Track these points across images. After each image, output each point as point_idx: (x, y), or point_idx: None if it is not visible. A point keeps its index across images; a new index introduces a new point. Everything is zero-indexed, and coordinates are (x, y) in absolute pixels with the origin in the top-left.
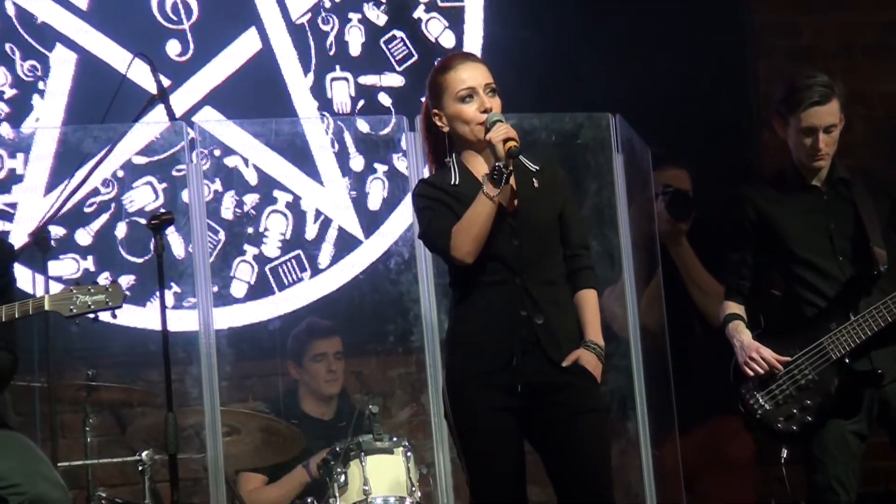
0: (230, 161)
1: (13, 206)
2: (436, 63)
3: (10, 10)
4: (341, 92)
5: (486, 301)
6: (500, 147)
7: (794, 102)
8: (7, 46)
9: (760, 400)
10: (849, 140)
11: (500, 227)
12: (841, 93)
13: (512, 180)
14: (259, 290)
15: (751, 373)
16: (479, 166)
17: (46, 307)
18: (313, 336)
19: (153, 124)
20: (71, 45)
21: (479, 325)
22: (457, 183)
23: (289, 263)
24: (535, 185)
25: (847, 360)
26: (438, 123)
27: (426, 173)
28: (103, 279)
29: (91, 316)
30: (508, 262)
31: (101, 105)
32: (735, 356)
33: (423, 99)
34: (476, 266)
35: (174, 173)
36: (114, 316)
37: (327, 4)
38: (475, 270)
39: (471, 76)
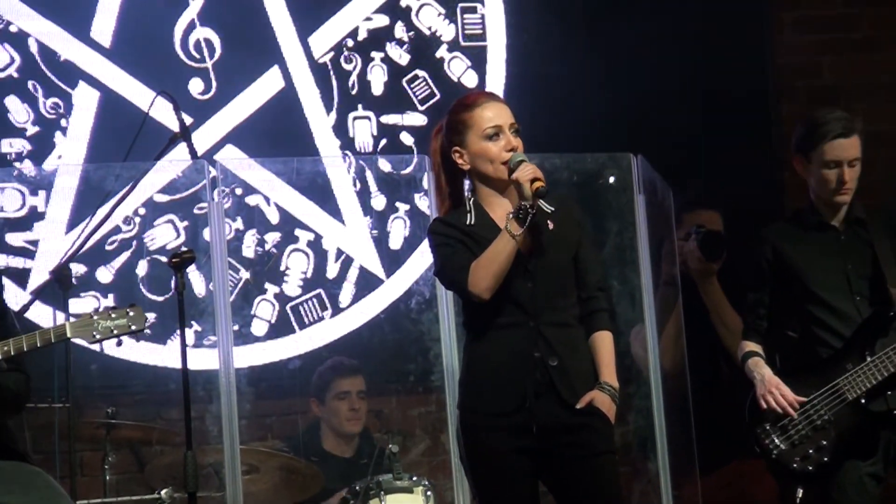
0: (252, 200)
1: (34, 243)
2: (455, 101)
3: (34, 48)
4: (363, 131)
5: (500, 342)
6: (527, 186)
7: (817, 136)
8: (30, 84)
9: (776, 440)
10: (869, 180)
11: (514, 269)
12: (861, 129)
13: (515, 223)
14: (280, 328)
15: (765, 406)
16: (497, 207)
17: (69, 334)
18: (337, 374)
19: (175, 162)
20: (94, 82)
21: (493, 367)
22: (472, 223)
23: (310, 302)
24: (550, 226)
25: (863, 401)
26: (459, 161)
27: (436, 211)
28: None
29: (114, 341)
30: (522, 304)
31: (124, 143)
32: (752, 393)
33: (437, 136)
34: (490, 307)
35: (196, 211)
36: (137, 340)
37: (350, 44)
38: (489, 311)
39: (497, 114)
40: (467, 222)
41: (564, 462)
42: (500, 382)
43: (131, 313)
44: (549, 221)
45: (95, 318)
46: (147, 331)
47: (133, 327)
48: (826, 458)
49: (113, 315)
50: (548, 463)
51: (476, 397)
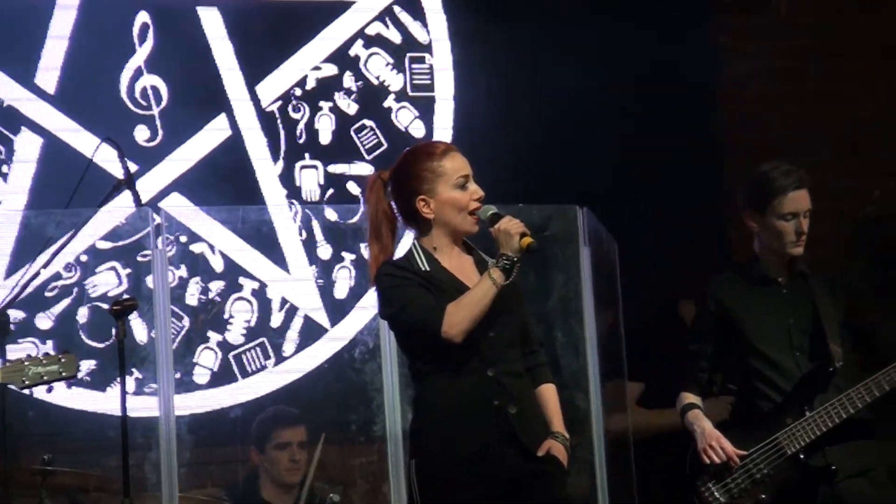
0: (196, 247)
1: None
2: (411, 150)
3: None
4: (310, 180)
5: (458, 390)
6: (516, 239)
7: (774, 190)
8: None
9: (716, 493)
10: (814, 235)
11: None
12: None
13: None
14: (222, 377)
15: (707, 460)
16: (446, 255)
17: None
18: (279, 424)
19: (119, 209)
20: (37, 129)
21: (452, 415)
22: (428, 269)
23: (253, 351)
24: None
25: (802, 456)
26: (425, 210)
27: (372, 262)
28: None
29: (45, 387)
30: (481, 353)
31: (67, 190)
32: (693, 446)
33: (380, 186)
34: (448, 354)
35: (139, 259)
36: (69, 386)
37: (298, 93)
38: (447, 358)
39: (464, 164)
40: (422, 269)
41: None
42: (460, 431)
43: (63, 360)
44: None
45: (27, 363)
46: (87, 378)
47: (64, 374)
48: None
49: (44, 361)
50: None
51: (437, 446)
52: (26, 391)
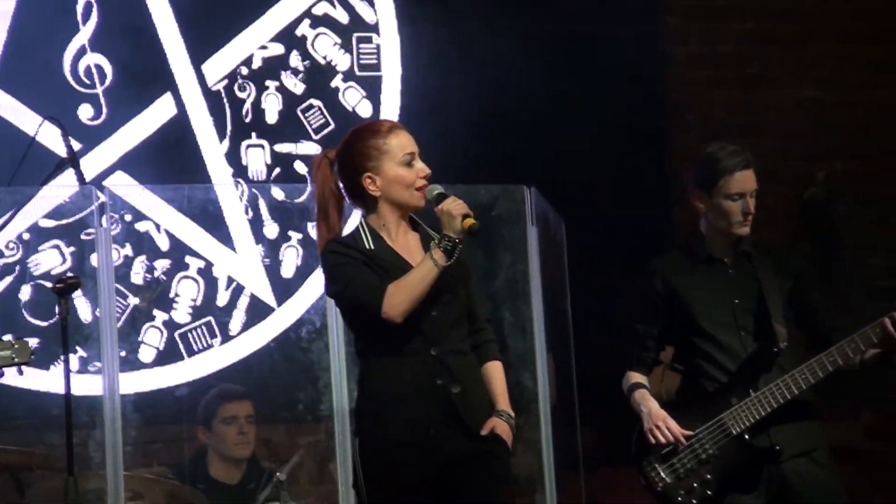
0: (141, 226)
1: None
2: (356, 129)
3: None
4: (257, 159)
5: (401, 370)
6: (458, 221)
7: (720, 170)
8: None
9: (662, 473)
10: (757, 217)
11: None
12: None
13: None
14: (168, 355)
15: (653, 440)
16: (393, 233)
17: None
18: (224, 399)
19: (62, 188)
20: None
21: (395, 395)
22: (372, 247)
23: (199, 330)
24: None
25: (746, 436)
26: (371, 188)
27: (319, 241)
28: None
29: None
30: (425, 332)
31: (8, 168)
32: (639, 426)
33: (326, 164)
34: (391, 334)
35: (83, 237)
36: (20, 372)
37: (244, 72)
38: (390, 338)
39: (410, 142)
40: (366, 246)
41: (467, 491)
42: (402, 411)
43: (16, 345)
44: None
45: None
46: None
47: (16, 359)
48: (709, 492)
49: None
50: (449, 493)
51: (379, 426)
52: None
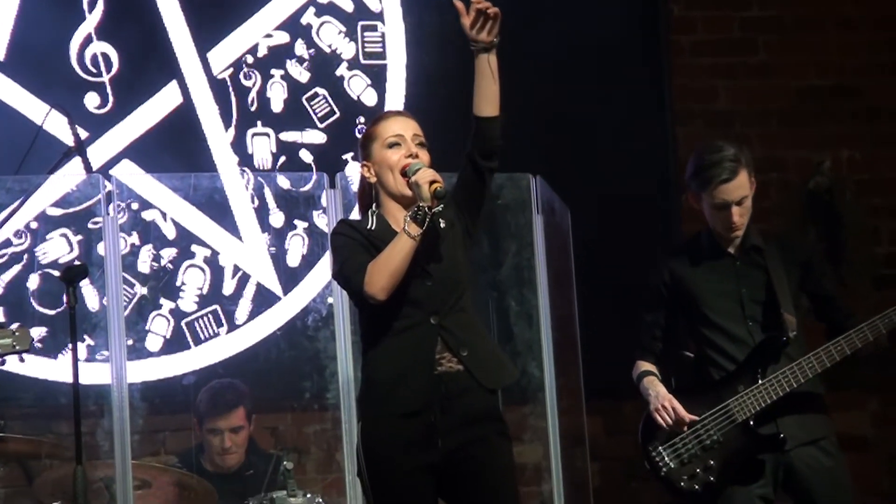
0: (148, 215)
1: None
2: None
3: None
4: (262, 148)
5: (400, 346)
6: (425, 188)
7: (703, 180)
8: None
9: (666, 458)
10: (763, 205)
11: (412, 270)
12: (748, 160)
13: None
14: (175, 344)
15: (659, 420)
16: (399, 219)
17: None
18: (211, 410)
19: (69, 176)
20: None
21: (396, 371)
22: (372, 228)
23: (205, 318)
24: (442, 224)
25: (752, 423)
26: (367, 175)
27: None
28: None
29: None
30: (421, 303)
31: (16, 157)
32: (646, 412)
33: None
34: (388, 312)
35: (90, 226)
36: (21, 360)
37: (250, 60)
38: (387, 316)
39: (401, 126)
40: (368, 226)
41: (466, 476)
42: (403, 385)
43: (17, 333)
44: (440, 219)
45: None
46: (38, 345)
47: (17, 347)
48: (712, 478)
49: None
50: (449, 478)
51: (378, 404)
52: None
